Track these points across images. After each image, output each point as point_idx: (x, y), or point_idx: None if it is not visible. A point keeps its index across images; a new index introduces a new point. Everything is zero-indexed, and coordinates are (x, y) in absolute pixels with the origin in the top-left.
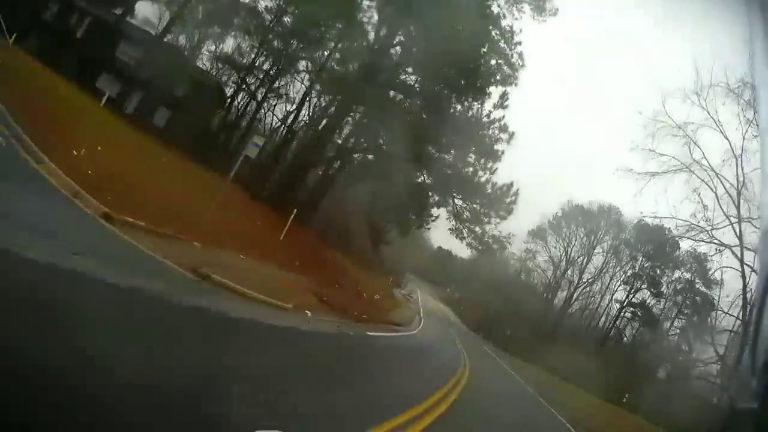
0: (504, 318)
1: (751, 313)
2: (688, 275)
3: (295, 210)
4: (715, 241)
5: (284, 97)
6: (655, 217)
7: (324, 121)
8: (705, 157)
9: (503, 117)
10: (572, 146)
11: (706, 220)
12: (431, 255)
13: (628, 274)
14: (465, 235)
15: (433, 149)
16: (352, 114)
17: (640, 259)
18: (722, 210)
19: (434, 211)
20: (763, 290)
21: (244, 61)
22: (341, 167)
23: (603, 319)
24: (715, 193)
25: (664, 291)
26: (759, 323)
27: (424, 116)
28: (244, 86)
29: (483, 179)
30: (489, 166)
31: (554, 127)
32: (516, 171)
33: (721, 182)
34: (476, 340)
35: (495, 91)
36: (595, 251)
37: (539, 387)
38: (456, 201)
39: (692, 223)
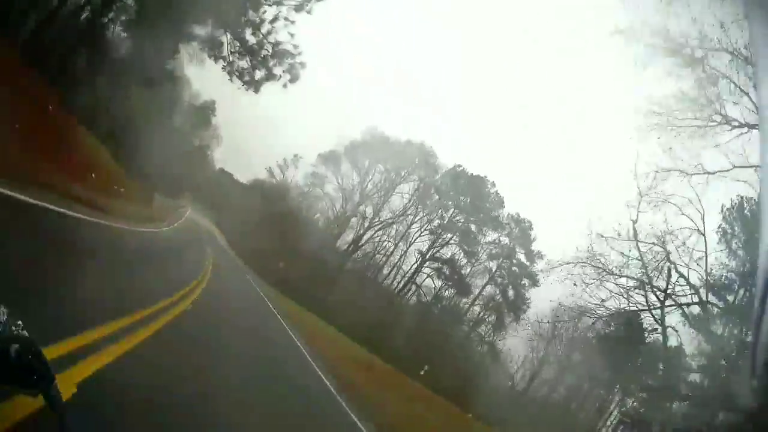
0: (278, 251)
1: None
2: (506, 240)
3: None
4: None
5: None
6: None
7: None
8: None
9: None
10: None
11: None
12: (213, 177)
13: (435, 224)
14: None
15: None
16: None
17: (452, 210)
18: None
19: None
20: (764, 289)
21: None
22: None
23: (395, 271)
24: None
25: (479, 251)
26: (759, 323)
27: None
28: None
29: None
30: None
31: None
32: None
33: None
34: (241, 268)
35: None
36: (397, 191)
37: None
38: None
39: None
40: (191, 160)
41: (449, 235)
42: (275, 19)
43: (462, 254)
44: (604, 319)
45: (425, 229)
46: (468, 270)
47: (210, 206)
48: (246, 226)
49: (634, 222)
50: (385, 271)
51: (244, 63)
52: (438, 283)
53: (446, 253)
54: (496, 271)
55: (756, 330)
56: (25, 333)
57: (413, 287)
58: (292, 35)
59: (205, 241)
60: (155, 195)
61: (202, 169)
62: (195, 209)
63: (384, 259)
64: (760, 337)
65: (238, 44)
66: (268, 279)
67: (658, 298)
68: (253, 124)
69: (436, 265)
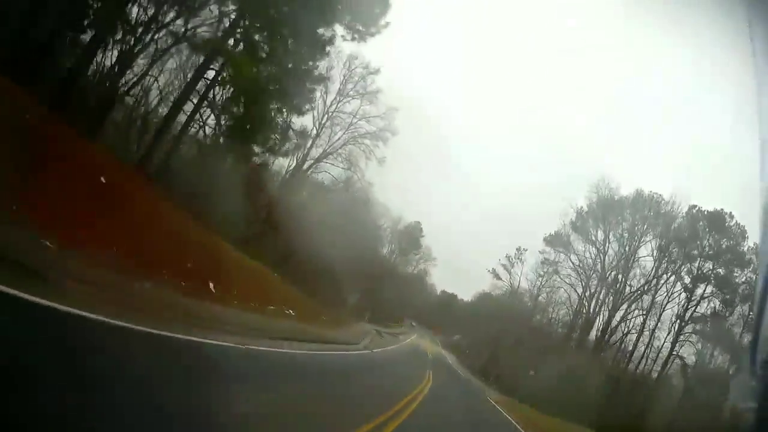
0: (518, 362)
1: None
2: (753, 276)
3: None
4: None
5: None
6: None
7: None
8: None
9: None
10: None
11: None
12: (436, 300)
13: (685, 279)
14: None
15: None
16: None
17: (698, 259)
18: None
19: None
20: (763, 290)
21: None
22: None
23: (643, 347)
24: None
25: (735, 298)
26: (759, 323)
27: None
28: None
29: None
30: None
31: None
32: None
33: None
34: (471, 383)
35: None
36: (638, 256)
37: None
38: None
39: None
40: (407, 285)
41: (703, 287)
42: None
43: (720, 305)
44: None
45: (676, 290)
46: (728, 322)
47: (435, 329)
48: (477, 341)
49: None
50: (641, 349)
51: None
52: (699, 346)
53: (701, 308)
54: (748, 314)
55: (756, 330)
56: None
57: (672, 357)
58: None
59: (428, 362)
60: (361, 321)
61: (421, 294)
62: (419, 333)
63: (637, 335)
64: (760, 337)
65: None
66: (510, 394)
67: None
68: (462, 234)
69: (695, 326)
